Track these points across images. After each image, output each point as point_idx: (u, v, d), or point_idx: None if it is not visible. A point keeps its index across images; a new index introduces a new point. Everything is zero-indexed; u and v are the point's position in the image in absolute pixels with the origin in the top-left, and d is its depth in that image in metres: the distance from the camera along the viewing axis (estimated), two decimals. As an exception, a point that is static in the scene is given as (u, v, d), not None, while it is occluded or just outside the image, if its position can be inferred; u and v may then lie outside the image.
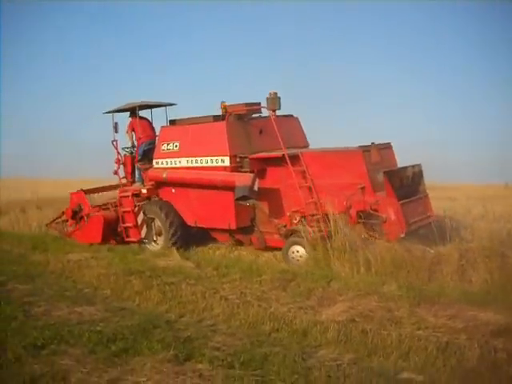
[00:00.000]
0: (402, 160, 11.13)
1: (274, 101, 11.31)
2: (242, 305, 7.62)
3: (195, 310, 7.62)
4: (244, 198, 10.66)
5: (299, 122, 12.97)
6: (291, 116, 12.89)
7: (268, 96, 11.37)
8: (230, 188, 10.77)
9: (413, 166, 10.65)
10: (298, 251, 10.17)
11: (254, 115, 12.04)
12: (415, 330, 6.33)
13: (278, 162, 10.78)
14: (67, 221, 14.29)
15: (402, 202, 9.54)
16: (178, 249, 11.45)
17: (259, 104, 11.82)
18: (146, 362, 5.49)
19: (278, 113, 11.75)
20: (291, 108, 12.76)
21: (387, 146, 11.04)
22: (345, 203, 9.83)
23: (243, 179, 10.66)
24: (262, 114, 12.27)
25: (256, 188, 10.57)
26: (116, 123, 13.71)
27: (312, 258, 9.70)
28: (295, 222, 10.59)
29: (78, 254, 11.33)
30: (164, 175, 12.19)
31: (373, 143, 10.56)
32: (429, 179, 11.24)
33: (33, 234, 14.81)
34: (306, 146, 12.65)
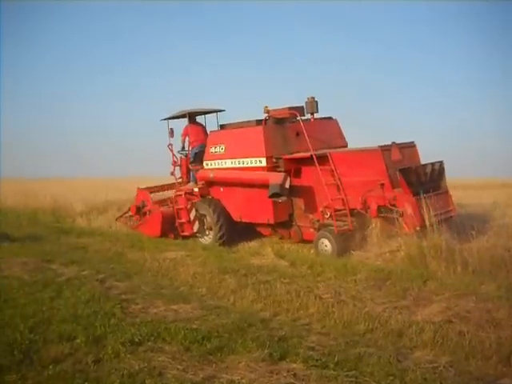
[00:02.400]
0: (436, 157, 11.54)
1: (312, 104, 12.94)
2: (336, 304, 7.58)
3: (290, 308, 7.66)
4: (277, 195, 11.54)
5: (338, 124, 13.84)
6: (330, 118, 13.85)
7: (306, 100, 12.97)
8: (266, 186, 11.72)
9: (432, 164, 11.11)
10: (325, 244, 11.08)
11: (300, 117, 12.50)
12: (516, 332, 6.12)
13: (311, 161, 11.51)
14: (133, 215, 16.03)
15: (418, 197, 10.08)
16: (224, 242, 12.96)
17: (302, 108, 12.92)
18: (240, 361, 5.53)
19: (319, 115, 13.29)
20: (331, 111, 13.89)
21: (410, 145, 11.67)
22: (360, 198, 10.73)
23: (276, 178, 11.65)
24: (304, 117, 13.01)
25: (287, 186, 11.54)
26: (171, 129, 15.00)
27: (407, 256, 9.60)
28: (326, 216, 11.41)
29: (174, 253, 11.58)
30: (211, 175, 13.56)
31: (393, 142, 11.14)
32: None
33: (129, 233, 15.44)
34: (345, 145, 13.50)
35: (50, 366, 5.53)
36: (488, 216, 12.40)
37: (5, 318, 6.98)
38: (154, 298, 8.04)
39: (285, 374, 5.21)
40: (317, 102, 13.05)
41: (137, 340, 6.11)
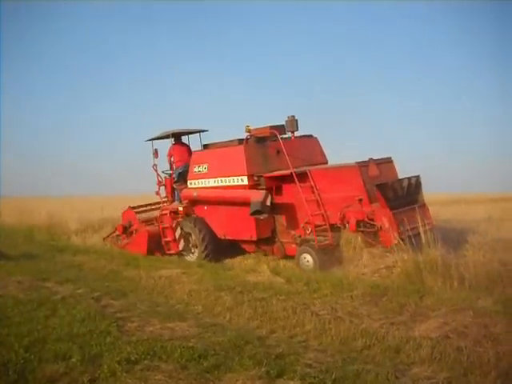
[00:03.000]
0: (421, 172, 11.94)
1: (292, 123, 13.30)
2: (333, 320, 7.54)
3: (286, 325, 7.62)
4: (258, 212, 11.90)
5: (318, 141, 14.28)
6: (311, 136, 14.27)
7: (286, 119, 13.36)
8: (248, 204, 12.08)
9: (409, 178, 11.47)
10: (307, 259, 11.35)
11: (280, 136, 12.89)
12: (514, 347, 6.10)
13: (292, 179, 11.85)
14: (120, 235, 16.43)
15: (394, 211, 10.43)
16: (209, 260, 13.08)
17: (283, 126, 13.33)
18: (237, 379, 5.49)
19: (299, 133, 13.78)
20: (310, 128, 14.42)
21: (387, 161, 12.05)
22: (339, 214, 11.05)
23: (257, 196, 12.02)
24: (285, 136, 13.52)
25: (268, 203, 11.94)
26: (156, 149, 15.38)
27: (403, 271, 9.61)
28: (308, 232, 11.74)
29: (169, 270, 11.53)
30: (195, 194, 14.00)
31: (371, 159, 11.51)
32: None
33: (123, 251, 15.45)
34: (325, 162, 13.94)
35: (46, 386, 5.48)
36: (483, 231, 12.41)
37: (-1, 338, 6.93)
38: (149, 316, 7.99)
39: (283, 392, 5.17)
40: (297, 120, 13.40)
41: (133, 358, 6.06)
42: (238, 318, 8.19)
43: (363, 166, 11.28)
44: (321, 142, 14.32)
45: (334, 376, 5.45)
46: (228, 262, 13.33)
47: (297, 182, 11.67)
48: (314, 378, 5.44)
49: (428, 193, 11.61)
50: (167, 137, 15.58)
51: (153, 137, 15.64)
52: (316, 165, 12.95)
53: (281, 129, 13.22)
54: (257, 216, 12.07)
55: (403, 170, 12.05)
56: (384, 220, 10.39)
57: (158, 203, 16.08)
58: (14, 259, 13.83)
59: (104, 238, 17.52)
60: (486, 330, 6.57)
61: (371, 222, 10.60)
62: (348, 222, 10.91)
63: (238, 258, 13.57)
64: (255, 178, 12.61)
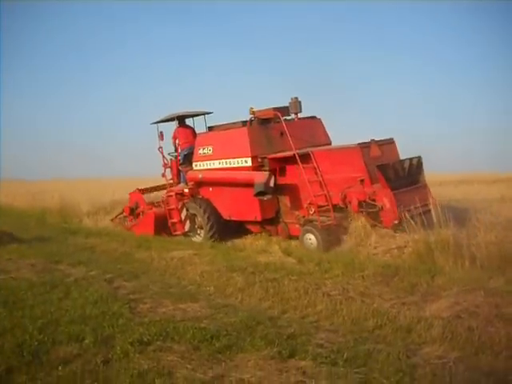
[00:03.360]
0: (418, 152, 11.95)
1: (296, 105, 13.47)
2: (344, 301, 7.57)
3: (298, 306, 7.64)
4: (262, 193, 12.09)
5: (322, 123, 14.39)
6: (314, 117, 14.41)
7: (290, 101, 13.51)
8: (252, 185, 12.24)
9: (410, 159, 11.55)
10: (310, 238, 11.50)
11: (284, 118, 13.12)
12: (525, 327, 6.09)
13: (295, 160, 11.97)
14: (127, 216, 16.78)
15: (395, 191, 10.55)
16: (214, 241, 13.28)
17: (287, 108, 13.51)
18: (249, 359, 5.51)
19: (304, 115, 13.96)
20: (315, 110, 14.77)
21: (389, 142, 12.13)
22: (340, 194, 11.26)
23: (260, 177, 12.21)
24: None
25: (272, 184, 12.11)
26: (161, 132, 15.51)
27: (414, 251, 9.60)
28: (311, 212, 11.84)
29: (181, 252, 11.54)
30: (200, 176, 14.17)
31: (372, 140, 11.60)
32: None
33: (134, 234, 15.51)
34: (329, 143, 14.05)
35: (60, 367, 5.54)
36: (495, 211, 12.35)
37: (14, 319, 6.99)
38: (162, 298, 8.02)
39: (294, 372, 5.20)
40: (300, 102, 13.56)
41: (145, 340, 6.09)
42: (250, 298, 8.22)
43: (365, 147, 11.43)
44: (324, 123, 14.43)
45: (345, 356, 5.46)
46: (239, 242, 13.39)
47: (299, 164, 11.82)
48: (326, 357, 5.45)
49: (437, 172, 11.61)
50: (172, 119, 15.73)
51: (158, 120, 15.85)
52: (319, 146, 13.13)
53: (284, 110, 13.38)
54: (260, 197, 12.27)
55: (409, 151, 12.12)
56: (385, 200, 10.56)
57: (165, 185, 16.25)
58: (27, 242, 13.94)
59: (112, 219, 17.87)
60: (498, 310, 6.55)
61: (373, 203, 10.74)
62: (350, 203, 11.08)
63: (250, 239, 13.62)
64: (259, 160, 12.79)
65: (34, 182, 36.84)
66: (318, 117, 14.46)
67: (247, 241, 13.54)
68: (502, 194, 16.98)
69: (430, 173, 12.23)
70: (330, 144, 13.99)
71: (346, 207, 11.21)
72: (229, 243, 13.26)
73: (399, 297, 7.48)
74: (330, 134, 14.31)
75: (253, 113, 13.20)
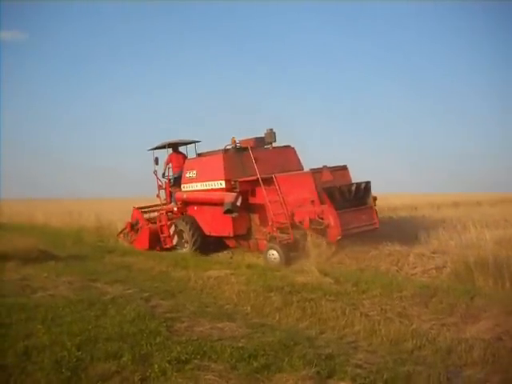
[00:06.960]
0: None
1: (270, 135, 15.32)
2: (382, 321, 7.48)
3: (335, 326, 7.58)
4: (229, 211, 13.72)
5: (295, 151, 16.02)
6: (288, 146, 16.04)
7: (265, 132, 15.38)
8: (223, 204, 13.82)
9: (358, 183, 12.89)
10: (273, 254, 12.90)
11: (253, 147, 14.61)
12: None
13: (263, 183, 13.43)
14: (129, 232, 18.38)
15: (340, 211, 11.86)
16: (199, 253, 14.99)
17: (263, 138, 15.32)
18: (287, 379, 5.46)
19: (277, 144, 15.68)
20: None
21: (342, 168, 13.83)
22: (289, 213, 12.71)
23: (229, 197, 13.84)
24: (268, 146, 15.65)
25: (238, 203, 13.67)
26: (156, 158, 17.64)
27: (453, 272, 9.50)
28: (275, 230, 13.22)
29: (218, 271, 11.56)
30: (184, 196, 16.17)
31: (325, 166, 13.38)
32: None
33: (172, 252, 15.86)
34: (300, 169, 15.30)
35: (98, 384, 5.56)
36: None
37: (52, 336, 7.03)
38: (198, 317, 8.03)
39: (334, 392, 5.14)
40: (274, 133, 15.35)
41: (183, 358, 6.08)
42: (287, 318, 8.18)
43: (316, 172, 13.18)
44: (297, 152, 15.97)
45: (385, 377, 5.40)
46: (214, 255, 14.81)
47: (262, 186, 13.37)
48: (365, 378, 5.40)
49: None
50: (164, 147, 17.77)
51: (153, 147, 17.90)
52: (291, 171, 14.54)
53: (260, 141, 15.21)
54: (229, 214, 13.88)
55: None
56: (330, 218, 11.81)
57: (159, 204, 18.07)
58: (64, 260, 14.12)
59: (117, 235, 19.42)
60: (540, 332, 6.43)
61: (321, 220, 11.98)
62: (303, 221, 12.28)
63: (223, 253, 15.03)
64: (232, 183, 14.36)
65: (67, 201, 37.35)
66: (292, 146, 16.02)
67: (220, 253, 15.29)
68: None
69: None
70: (302, 170, 15.24)
71: (301, 224, 12.37)
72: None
73: (438, 318, 7.39)
74: (314, 161, 15.37)
75: (233, 142, 14.96)
